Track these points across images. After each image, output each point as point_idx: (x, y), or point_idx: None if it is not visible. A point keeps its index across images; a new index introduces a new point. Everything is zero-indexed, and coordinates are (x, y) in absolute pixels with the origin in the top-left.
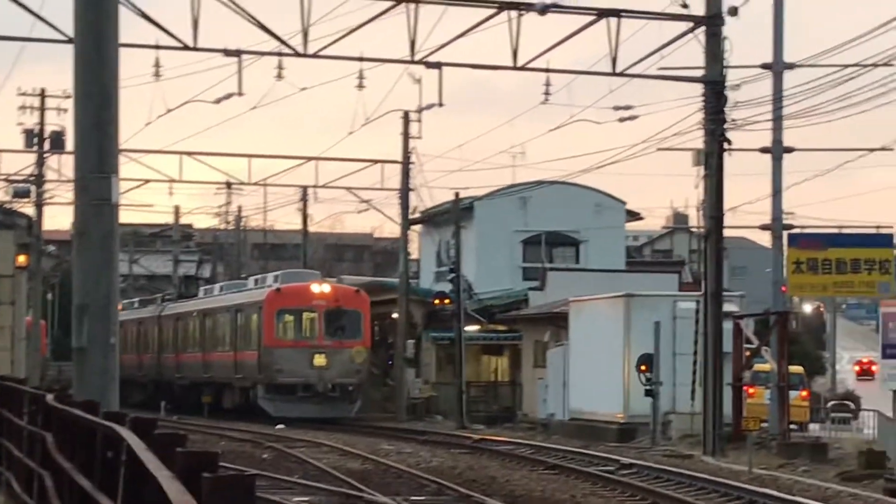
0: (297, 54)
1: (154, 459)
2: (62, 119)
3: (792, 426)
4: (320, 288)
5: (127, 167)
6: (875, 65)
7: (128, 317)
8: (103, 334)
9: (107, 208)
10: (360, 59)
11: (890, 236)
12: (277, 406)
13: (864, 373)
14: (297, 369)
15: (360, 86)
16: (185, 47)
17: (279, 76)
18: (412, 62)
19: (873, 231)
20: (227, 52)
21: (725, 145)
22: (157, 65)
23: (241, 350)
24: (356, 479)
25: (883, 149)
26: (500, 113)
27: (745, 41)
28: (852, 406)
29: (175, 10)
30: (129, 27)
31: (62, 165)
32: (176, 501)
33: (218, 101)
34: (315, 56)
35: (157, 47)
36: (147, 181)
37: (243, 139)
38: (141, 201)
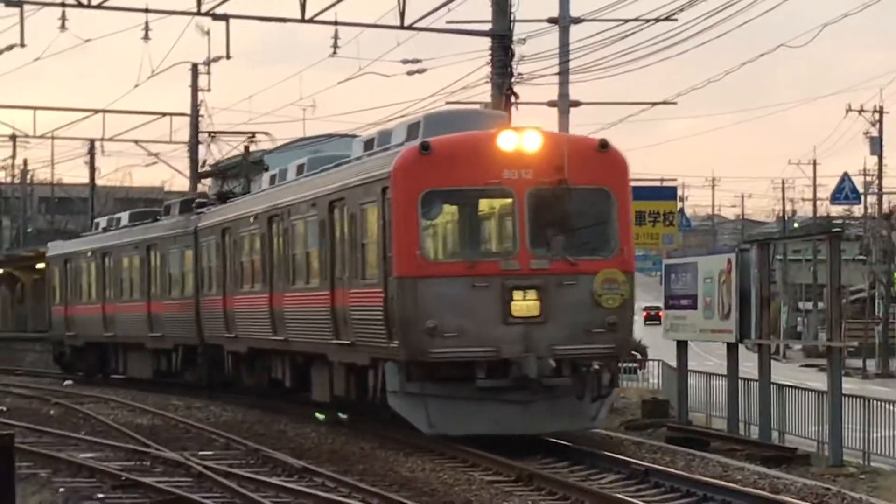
0: (81, 5)
1: None
2: None
3: None
4: (518, 139)
5: None
6: (657, 19)
7: (116, 241)
8: None
9: None
10: (146, 11)
11: (674, 188)
12: (435, 409)
13: (652, 318)
14: (473, 327)
15: (146, 38)
16: None
17: (63, 27)
18: (199, 14)
19: (657, 184)
20: (9, 3)
21: (513, 99)
22: None
23: (342, 286)
24: (144, 434)
25: (665, 102)
26: (290, 65)
27: None
28: (639, 356)
29: None
30: None
31: None
32: None
33: None
34: (99, 7)
35: None
36: None
37: (28, 91)
38: None
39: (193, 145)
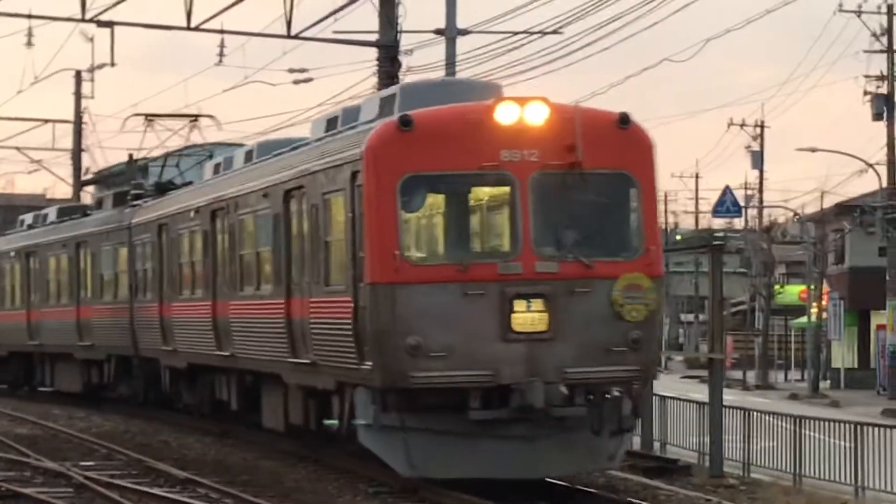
0: None
1: None
2: None
3: None
4: (519, 112)
5: None
6: (543, 32)
7: (42, 239)
8: None
9: None
10: (29, 17)
11: None
12: (417, 447)
13: None
14: (465, 346)
15: (30, 43)
16: None
17: None
18: (83, 20)
19: None
20: None
21: None
22: None
23: (301, 294)
24: (24, 444)
25: None
26: (176, 73)
27: (420, 7)
28: None
29: None
30: None
31: None
32: None
33: None
34: None
35: None
36: None
37: None
38: None
39: (76, 153)
